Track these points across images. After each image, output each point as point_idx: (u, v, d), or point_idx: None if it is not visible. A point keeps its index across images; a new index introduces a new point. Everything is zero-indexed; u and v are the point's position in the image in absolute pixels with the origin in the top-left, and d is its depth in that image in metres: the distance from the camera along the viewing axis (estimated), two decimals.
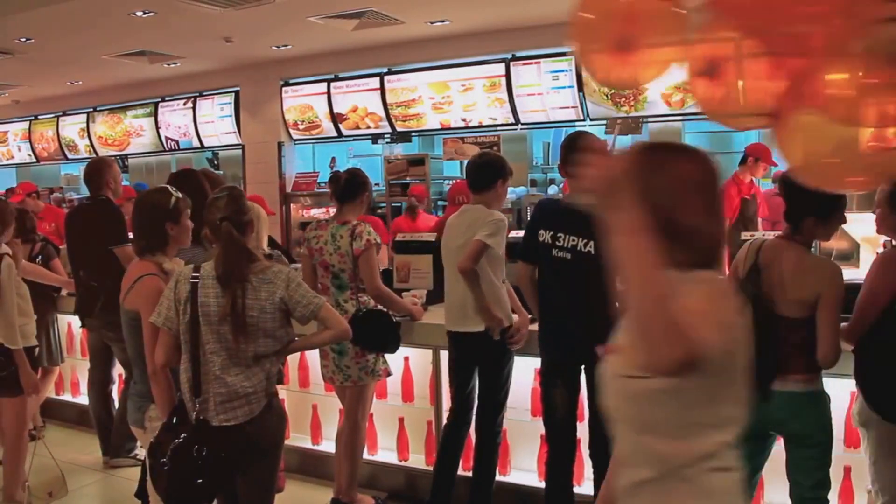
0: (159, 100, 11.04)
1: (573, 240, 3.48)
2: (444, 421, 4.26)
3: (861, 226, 5.16)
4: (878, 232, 3.35)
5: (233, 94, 10.37)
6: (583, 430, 3.76)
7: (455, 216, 4.13)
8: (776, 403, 2.99)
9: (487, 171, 4.04)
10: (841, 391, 3.36)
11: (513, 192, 8.23)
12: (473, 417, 4.12)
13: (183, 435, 2.88)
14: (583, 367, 3.60)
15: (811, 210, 3.02)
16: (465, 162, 4.21)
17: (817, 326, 2.94)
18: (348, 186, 4.26)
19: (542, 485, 3.86)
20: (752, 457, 3.16)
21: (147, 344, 3.11)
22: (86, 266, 4.97)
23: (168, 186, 3.40)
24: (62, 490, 4.61)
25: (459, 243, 3.97)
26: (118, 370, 5.37)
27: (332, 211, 4.38)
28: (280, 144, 10.06)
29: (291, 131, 10.07)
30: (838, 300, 2.93)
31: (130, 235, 4.94)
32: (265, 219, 4.39)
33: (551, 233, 3.54)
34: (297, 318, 3.02)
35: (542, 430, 3.82)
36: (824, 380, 3.13)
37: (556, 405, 3.65)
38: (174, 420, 2.98)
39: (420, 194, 7.32)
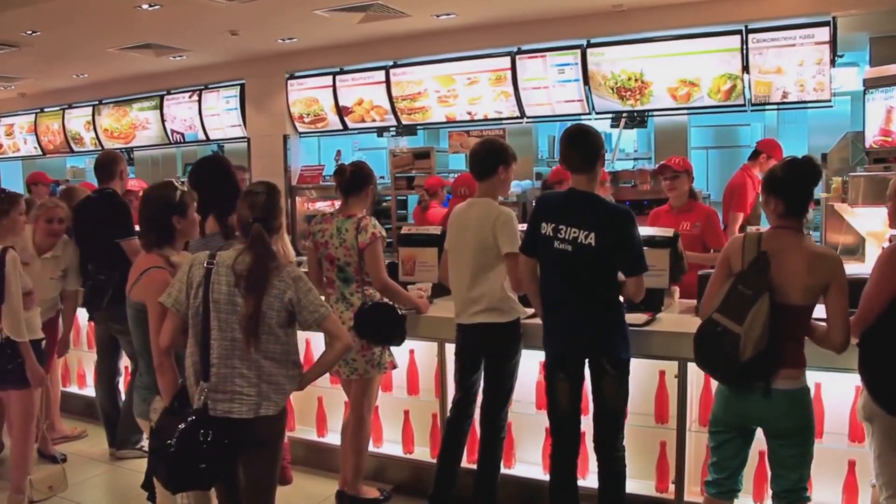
0: (165, 93, 11.03)
1: (574, 231, 3.48)
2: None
3: (866, 220, 5.17)
4: (891, 226, 3.35)
5: (238, 87, 10.36)
6: (587, 424, 3.77)
7: (462, 208, 4.12)
8: (769, 402, 2.99)
9: (487, 159, 4.03)
10: (845, 386, 3.37)
11: (518, 186, 8.22)
12: (477, 410, 4.13)
13: (190, 418, 2.90)
14: (587, 360, 3.61)
15: (811, 195, 3.09)
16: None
17: (832, 313, 2.98)
18: (354, 179, 4.26)
19: (547, 478, 3.87)
20: (739, 451, 3.17)
21: (153, 331, 3.14)
22: (94, 259, 4.99)
23: (173, 180, 3.43)
24: (62, 484, 4.63)
25: (470, 242, 3.96)
26: (125, 362, 5.40)
27: (338, 204, 4.39)
28: (285, 137, 10.06)
29: (297, 124, 10.07)
30: (846, 287, 2.98)
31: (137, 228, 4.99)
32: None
33: (553, 225, 3.54)
34: (300, 321, 3.04)
35: (547, 423, 3.83)
36: (827, 374, 3.14)
37: (559, 398, 3.65)
38: (175, 405, 3.00)
39: (430, 187, 7.32)
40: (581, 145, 3.59)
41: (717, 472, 3.19)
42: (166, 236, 3.32)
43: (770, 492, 3.16)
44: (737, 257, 3.08)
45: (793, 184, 3.07)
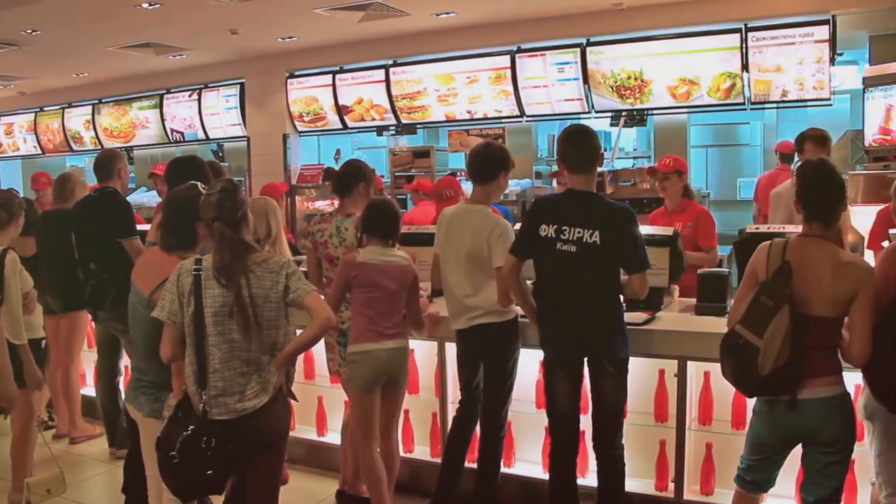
0: (165, 92, 11.03)
1: (578, 231, 3.47)
2: (452, 413, 4.27)
3: (867, 218, 5.16)
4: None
5: (238, 85, 10.35)
6: (586, 422, 3.77)
7: (457, 214, 4.08)
8: (808, 413, 2.93)
9: (492, 162, 4.01)
10: (847, 384, 3.37)
11: (518, 185, 8.22)
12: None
13: (191, 427, 2.90)
14: (585, 359, 3.61)
15: (843, 198, 3.03)
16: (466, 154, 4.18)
17: (853, 324, 2.91)
18: (343, 180, 4.31)
19: (547, 476, 3.87)
20: (780, 462, 3.13)
21: None
22: (97, 258, 4.98)
23: (198, 184, 3.39)
24: (60, 487, 4.61)
25: (467, 250, 3.95)
26: (125, 362, 5.39)
27: (338, 203, 4.41)
28: (285, 136, 10.06)
29: (296, 123, 10.07)
30: (873, 298, 2.91)
31: (142, 227, 4.99)
32: (278, 212, 4.37)
33: (555, 226, 3.53)
34: (287, 303, 3.04)
35: (547, 422, 3.83)
36: None
37: (559, 397, 3.65)
38: (179, 413, 3.00)
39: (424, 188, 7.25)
40: (581, 146, 3.59)
41: (754, 474, 3.13)
42: (189, 241, 3.30)
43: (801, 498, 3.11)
44: (762, 267, 3.01)
45: (803, 187, 3.03)
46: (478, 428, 4.14)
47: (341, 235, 4.17)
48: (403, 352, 3.99)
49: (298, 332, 3.15)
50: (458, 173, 8.06)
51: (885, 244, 3.85)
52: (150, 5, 7.17)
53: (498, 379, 3.99)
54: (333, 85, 9.60)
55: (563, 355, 3.64)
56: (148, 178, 8.00)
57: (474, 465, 4.16)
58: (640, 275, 3.52)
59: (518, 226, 3.88)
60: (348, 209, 4.27)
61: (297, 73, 9.94)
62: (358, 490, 4.35)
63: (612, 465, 3.63)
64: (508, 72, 8.47)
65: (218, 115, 10.60)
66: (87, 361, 6.03)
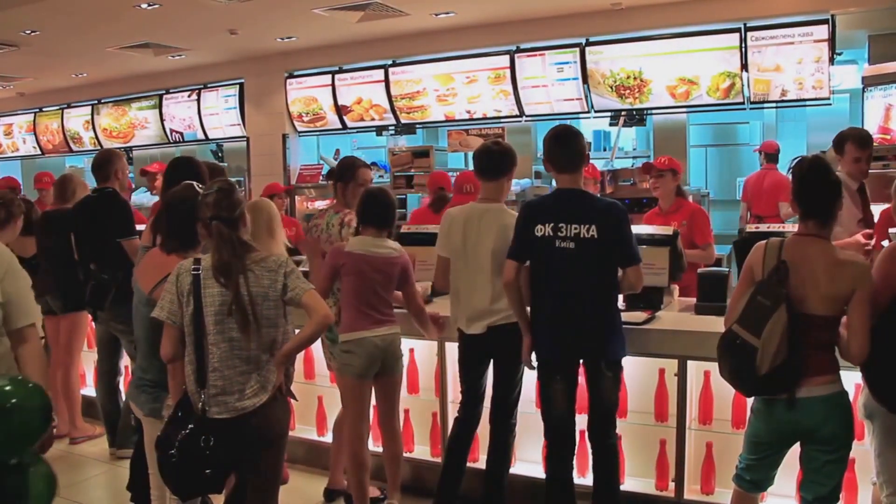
0: (164, 92, 11.03)
1: (575, 228, 3.46)
2: (451, 413, 4.26)
3: None
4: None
5: (237, 86, 10.35)
6: (580, 419, 3.76)
7: (473, 215, 3.96)
8: (806, 411, 2.93)
9: (505, 159, 3.98)
10: (846, 383, 3.37)
11: (517, 184, 8.21)
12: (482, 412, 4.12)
13: (190, 426, 2.91)
14: (580, 360, 3.60)
15: (838, 195, 3.02)
16: (473, 152, 4.12)
17: (851, 322, 2.91)
18: (335, 180, 4.42)
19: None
20: (778, 461, 3.13)
21: None
22: (96, 259, 4.98)
23: (194, 183, 3.39)
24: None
25: (492, 249, 3.84)
26: (125, 362, 5.39)
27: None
28: (285, 136, 10.06)
29: (296, 123, 10.07)
30: (871, 295, 2.91)
31: (139, 228, 4.99)
32: (278, 215, 4.37)
33: (552, 225, 3.50)
34: (286, 301, 3.05)
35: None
36: None
37: (557, 400, 3.63)
38: (179, 413, 3.00)
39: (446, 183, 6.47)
40: (570, 146, 3.60)
41: (753, 473, 3.13)
42: (190, 242, 3.30)
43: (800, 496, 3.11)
44: (758, 266, 3.01)
45: (798, 185, 3.03)
46: (479, 430, 4.13)
47: (329, 231, 4.22)
48: (395, 337, 4.01)
49: (297, 331, 3.15)
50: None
51: (885, 244, 3.85)
52: (150, 5, 7.17)
53: (511, 380, 3.94)
54: (333, 85, 9.60)
55: (560, 358, 3.62)
56: (141, 177, 7.84)
57: (475, 465, 4.15)
58: (635, 268, 3.52)
59: None
60: (337, 206, 4.34)
61: (296, 74, 9.94)
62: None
63: (606, 455, 3.63)
64: (508, 72, 8.47)
65: (217, 116, 10.60)
66: (87, 361, 6.03)
